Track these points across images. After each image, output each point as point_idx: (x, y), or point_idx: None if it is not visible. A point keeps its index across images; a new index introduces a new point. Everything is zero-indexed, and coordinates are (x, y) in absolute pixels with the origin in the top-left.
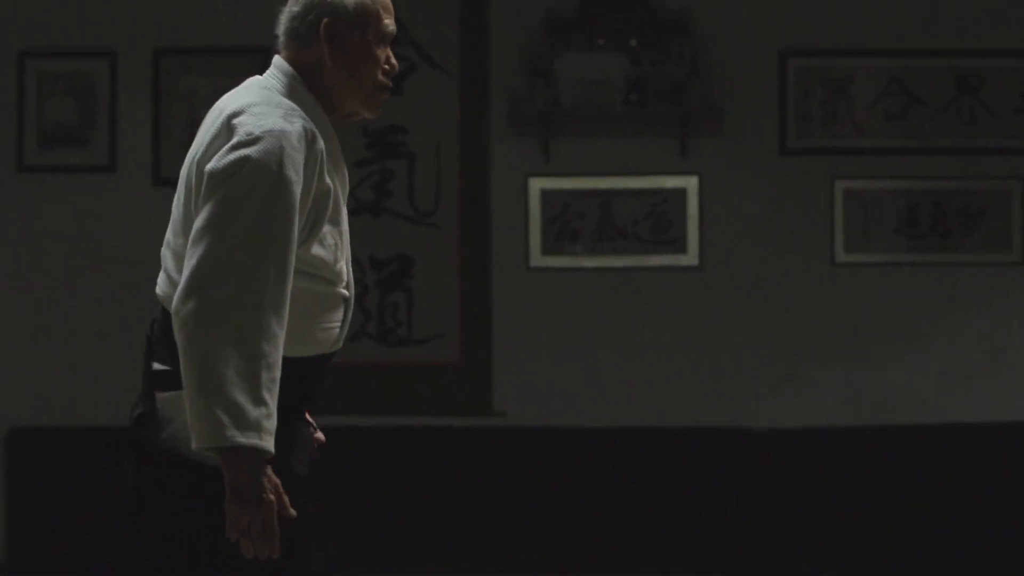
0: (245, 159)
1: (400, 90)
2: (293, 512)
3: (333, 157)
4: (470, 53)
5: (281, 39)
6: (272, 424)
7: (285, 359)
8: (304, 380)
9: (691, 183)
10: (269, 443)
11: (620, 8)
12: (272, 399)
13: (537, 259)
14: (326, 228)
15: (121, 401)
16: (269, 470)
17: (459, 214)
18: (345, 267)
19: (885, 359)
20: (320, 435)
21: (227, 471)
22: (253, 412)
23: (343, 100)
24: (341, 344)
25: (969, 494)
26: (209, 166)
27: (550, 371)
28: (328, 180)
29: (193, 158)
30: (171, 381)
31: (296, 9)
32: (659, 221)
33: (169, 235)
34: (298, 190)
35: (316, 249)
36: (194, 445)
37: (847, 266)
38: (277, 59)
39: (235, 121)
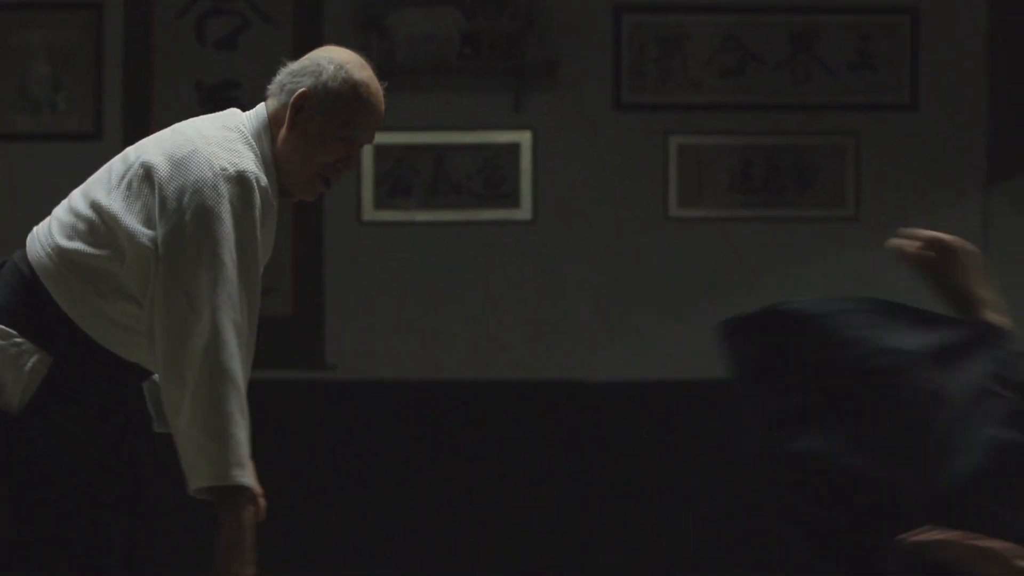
0: (197, 210)
1: (233, 45)
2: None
3: (269, 216)
4: (303, 7)
5: (272, 86)
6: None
7: None
8: None
9: (525, 138)
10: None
11: None
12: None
13: (370, 213)
14: None
15: None
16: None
17: None
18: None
19: (719, 313)
20: None
21: (227, 516)
22: (243, 453)
23: (282, 171)
24: None
25: None
26: (164, 226)
27: (382, 325)
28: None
29: (137, 158)
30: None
31: (295, 67)
32: (492, 176)
33: (79, 203)
34: (249, 226)
35: None
36: (195, 485)
37: (681, 221)
38: (262, 105)
39: (187, 156)
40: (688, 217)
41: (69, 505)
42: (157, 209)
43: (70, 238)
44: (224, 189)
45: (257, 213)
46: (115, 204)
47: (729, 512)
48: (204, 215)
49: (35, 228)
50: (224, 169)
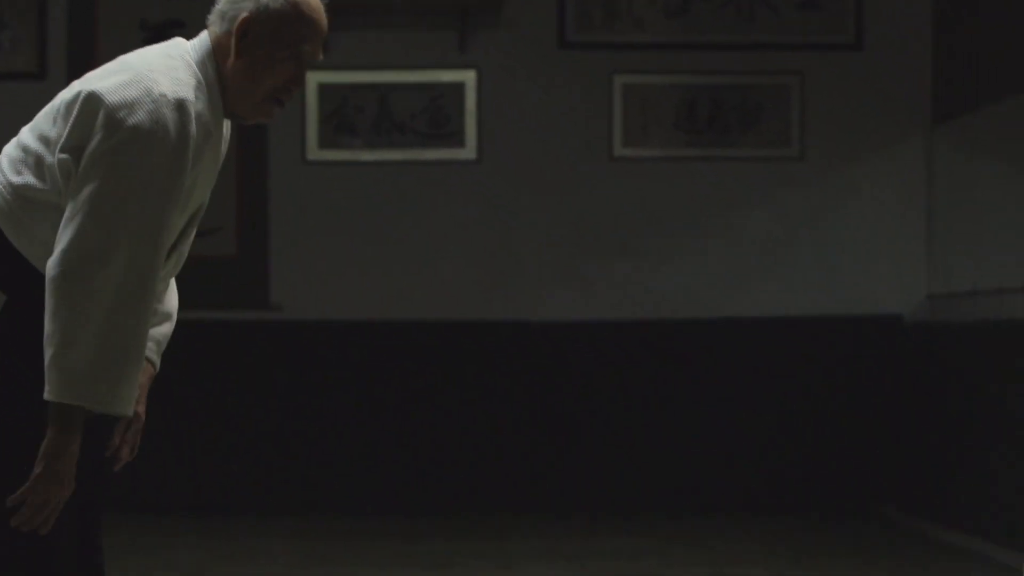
0: (131, 130)
1: None
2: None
3: (209, 144)
4: None
5: (212, 15)
6: (131, 395)
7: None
8: None
9: (469, 77)
10: (126, 409)
11: None
12: (135, 371)
13: (314, 153)
14: None
15: None
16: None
17: None
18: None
19: (664, 253)
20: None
21: (53, 431)
22: (125, 387)
23: (232, 97)
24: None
25: (747, 388)
26: (94, 141)
27: (327, 265)
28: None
29: (80, 91)
30: None
31: None
32: (437, 115)
33: (27, 137)
34: (181, 158)
35: None
36: (48, 395)
37: (625, 160)
38: (205, 34)
39: (128, 82)
40: (633, 156)
41: (21, 445)
42: (94, 130)
43: (19, 172)
44: (161, 114)
45: (191, 143)
46: (57, 132)
47: (672, 450)
48: (137, 137)
49: None
50: (163, 95)
